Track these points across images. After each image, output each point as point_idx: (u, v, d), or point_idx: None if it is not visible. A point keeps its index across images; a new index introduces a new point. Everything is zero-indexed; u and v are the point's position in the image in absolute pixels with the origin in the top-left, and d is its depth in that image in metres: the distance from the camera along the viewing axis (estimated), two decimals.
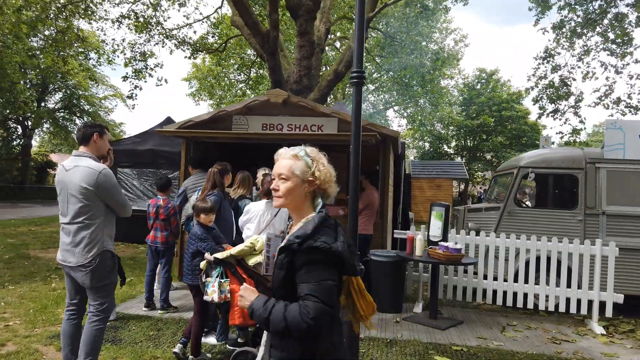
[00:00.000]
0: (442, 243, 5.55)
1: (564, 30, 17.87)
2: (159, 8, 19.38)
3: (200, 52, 21.54)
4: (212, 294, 3.70)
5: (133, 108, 20.91)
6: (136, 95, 18.56)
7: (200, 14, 29.13)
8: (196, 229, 3.99)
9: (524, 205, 7.24)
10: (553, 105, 18.42)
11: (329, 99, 30.55)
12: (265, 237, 4.28)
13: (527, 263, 6.13)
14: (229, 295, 3.73)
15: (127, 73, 18.08)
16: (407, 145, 40.85)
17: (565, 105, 18.70)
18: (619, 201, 6.33)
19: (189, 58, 20.42)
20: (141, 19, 18.89)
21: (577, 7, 17.27)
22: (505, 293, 6.19)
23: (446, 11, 21.86)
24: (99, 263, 3.33)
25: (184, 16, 29.65)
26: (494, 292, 6.25)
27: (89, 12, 17.93)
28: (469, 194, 32.40)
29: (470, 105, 32.69)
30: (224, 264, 3.78)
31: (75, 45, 18.97)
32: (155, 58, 21.98)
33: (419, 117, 27.48)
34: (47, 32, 21.33)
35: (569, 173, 6.49)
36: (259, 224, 4.34)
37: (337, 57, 19.02)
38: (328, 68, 21.10)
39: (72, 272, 3.36)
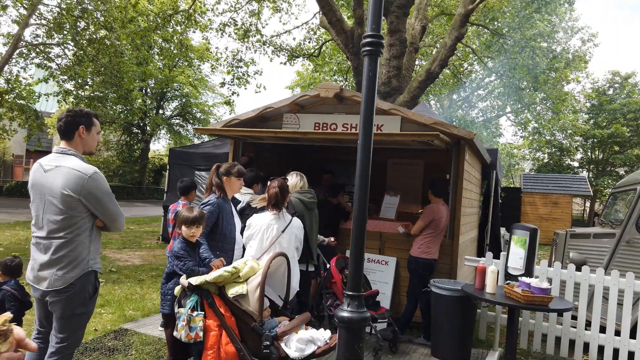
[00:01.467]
0: (523, 279, 4.16)
1: None
2: (260, 16, 19.68)
3: (296, 58, 21.48)
4: (181, 330, 2.88)
5: (230, 113, 21.44)
6: (234, 101, 19.00)
7: (296, 18, 29.27)
8: (176, 243, 3.21)
9: None
10: None
11: (433, 105, 28.80)
12: (255, 259, 3.40)
13: None
14: (201, 334, 2.88)
15: (224, 79, 18.48)
16: (522, 157, 37.22)
17: None
18: None
19: (284, 64, 20.42)
20: (242, 27, 19.34)
21: None
22: (617, 351, 4.57)
23: (570, 4, 19.25)
24: (79, 288, 2.63)
25: (282, 23, 30.05)
26: (600, 347, 4.65)
27: (193, 21, 18.68)
28: (596, 213, 28.26)
29: (600, 113, 28.58)
30: (201, 292, 2.95)
31: (186, 54, 19.98)
32: (255, 65, 22.36)
33: (533, 124, 24.58)
34: (164, 44, 22.72)
35: None
36: (261, 242, 3.44)
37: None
38: None
39: (43, 297, 2.68)
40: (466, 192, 5.64)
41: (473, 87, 26.53)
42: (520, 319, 4.89)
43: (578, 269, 4.96)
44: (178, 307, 2.98)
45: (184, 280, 2.97)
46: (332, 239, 5.18)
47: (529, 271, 4.37)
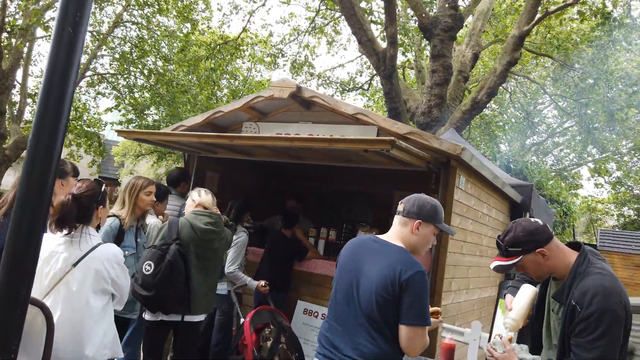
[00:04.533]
0: None
1: None
2: (314, 50, 19.38)
3: (349, 92, 20.67)
4: None
5: None
6: None
7: (345, 49, 28.76)
8: None
9: None
10: None
11: (503, 148, 26.43)
12: None
13: None
14: None
15: None
16: (606, 212, 33.22)
17: None
18: None
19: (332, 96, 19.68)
20: (291, 59, 19.08)
21: None
22: None
23: None
24: None
25: (331, 55, 29.74)
26: None
27: (240, 53, 18.60)
28: None
29: None
30: None
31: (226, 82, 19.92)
32: None
33: (616, 174, 21.56)
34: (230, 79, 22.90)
35: None
36: (40, 279, 2.13)
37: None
38: None
39: None
40: (462, 233, 4.10)
41: (546, 130, 24.06)
42: None
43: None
44: None
45: None
46: (263, 283, 3.86)
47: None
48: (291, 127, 4.70)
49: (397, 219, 2.21)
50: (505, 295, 2.35)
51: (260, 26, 40.03)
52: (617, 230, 22.84)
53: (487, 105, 20.44)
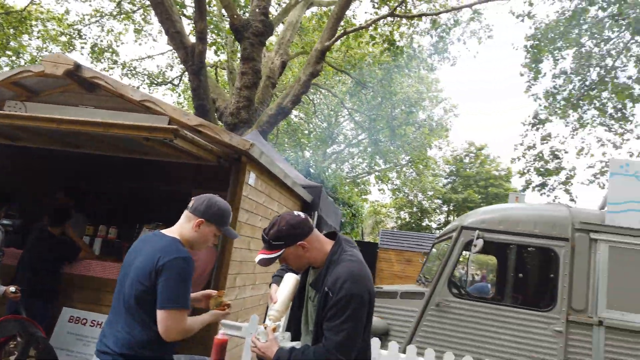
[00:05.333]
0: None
1: (557, 98, 15.79)
2: (119, 37, 17.92)
3: (157, 86, 19.52)
4: None
5: None
6: None
7: (154, 40, 27.73)
8: None
9: (468, 294, 4.35)
10: (541, 178, 16.03)
11: (308, 155, 28.22)
12: None
13: None
14: None
15: None
16: (386, 214, 38.17)
17: (554, 181, 16.28)
18: (629, 304, 3.56)
19: (137, 88, 18.36)
20: (90, 42, 17.31)
21: (572, 76, 15.26)
22: None
23: (431, 70, 20.08)
24: None
25: (138, 44, 28.26)
26: None
27: (26, 27, 16.08)
28: None
29: (457, 179, 30.42)
30: None
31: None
32: None
33: (396, 182, 25.01)
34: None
35: (544, 245, 3.73)
36: None
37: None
38: None
39: None
40: (250, 230, 4.18)
41: (344, 140, 26.59)
42: None
43: (381, 339, 3.67)
44: None
45: None
46: (13, 288, 3.31)
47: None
48: (68, 110, 4.15)
49: (184, 214, 2.26)
50: (270, 285, 2.44)
51: (54, 0, 35.23)
52: (395, 230, 26.40)
53: (295, 114, 21.70)
